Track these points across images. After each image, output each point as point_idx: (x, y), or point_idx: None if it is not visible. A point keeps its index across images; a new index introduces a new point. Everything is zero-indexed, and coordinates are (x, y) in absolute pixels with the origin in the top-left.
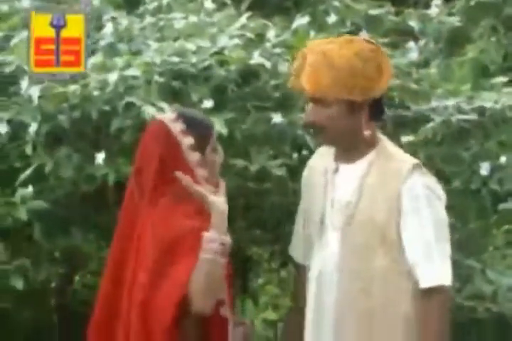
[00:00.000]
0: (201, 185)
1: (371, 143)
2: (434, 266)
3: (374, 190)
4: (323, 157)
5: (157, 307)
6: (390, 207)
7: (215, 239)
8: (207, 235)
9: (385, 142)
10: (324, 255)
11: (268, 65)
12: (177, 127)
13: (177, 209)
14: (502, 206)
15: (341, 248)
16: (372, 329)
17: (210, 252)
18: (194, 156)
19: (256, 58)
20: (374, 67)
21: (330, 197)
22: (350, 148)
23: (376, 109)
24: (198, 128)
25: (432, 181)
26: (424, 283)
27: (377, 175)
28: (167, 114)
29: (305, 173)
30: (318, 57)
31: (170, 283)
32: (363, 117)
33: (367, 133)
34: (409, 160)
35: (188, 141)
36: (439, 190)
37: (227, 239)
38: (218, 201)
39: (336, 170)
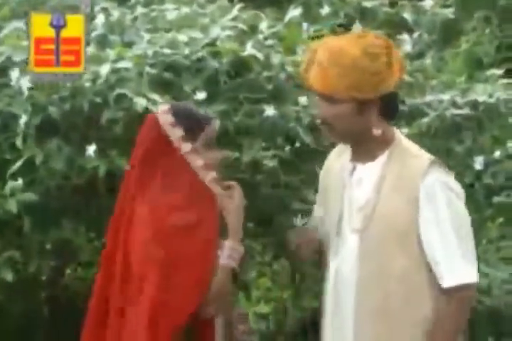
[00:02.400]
0: (199, 172)
1: (385, 142)
2: (455, 264)
3: (392, 190)
4: (339, 157)
5: (172, 307)
6: (410, 206)
7: (234, 247)
8: (228, 244)
9: (401, 139)
10: (342, 254)
11: (260, 56)
12: (167, 119)
13: (164, 201)
14: (496, 199)
15: (360, 248)
16: (391, 330)
17: (233, 259)
18: (186, 147)
19: (248, 50)
20: (383, 63)
21: (347, 197)
22: (362, 147)
23: (388, 106)
24: (188, 121)
25: (449, 178)
26: (446, 283)
27: (394, 174)
28: (161, 107)
29: (322, 174)
30: (325, 54)
31: (185, 286)
32: (372, 115)
33: (377, 132)
34: (426, 157)
35: (177, 132)
36: (457, 187)
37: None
38: (237, 207)
39: (353, 171)
